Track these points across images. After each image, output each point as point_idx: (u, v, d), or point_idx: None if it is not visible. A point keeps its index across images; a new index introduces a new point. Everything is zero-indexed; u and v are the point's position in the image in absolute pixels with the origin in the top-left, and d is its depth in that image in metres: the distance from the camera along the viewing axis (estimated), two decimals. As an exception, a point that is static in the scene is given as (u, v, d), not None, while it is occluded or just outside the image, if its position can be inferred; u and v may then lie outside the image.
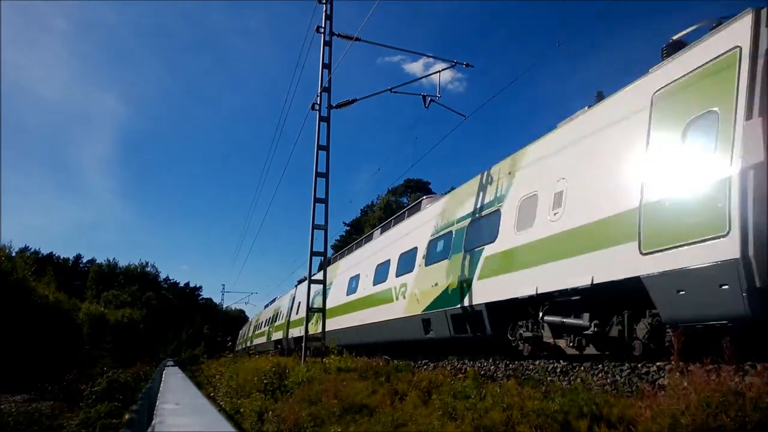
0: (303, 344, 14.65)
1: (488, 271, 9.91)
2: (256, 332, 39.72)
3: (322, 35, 15.43)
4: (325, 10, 15.53)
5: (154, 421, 8.06)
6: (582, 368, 7.30)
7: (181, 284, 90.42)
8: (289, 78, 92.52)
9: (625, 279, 6.76)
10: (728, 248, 5.44)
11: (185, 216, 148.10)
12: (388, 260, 15.17)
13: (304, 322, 15.18)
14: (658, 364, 6.25)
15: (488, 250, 10.02)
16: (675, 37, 7.47)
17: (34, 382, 16.45)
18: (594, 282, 7.23)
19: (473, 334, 10.47)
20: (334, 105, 15.29)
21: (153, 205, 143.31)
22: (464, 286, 10.61)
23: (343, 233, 55.53)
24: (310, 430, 7.51)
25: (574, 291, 7.67)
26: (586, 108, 8.71)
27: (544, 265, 8.32)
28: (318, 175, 14.89)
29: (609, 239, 7.14)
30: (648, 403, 4.22)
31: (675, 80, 6.78)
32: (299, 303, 25.10)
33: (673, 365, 4.70)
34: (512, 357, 9.59)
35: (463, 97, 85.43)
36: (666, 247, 6.21)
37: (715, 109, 6.09)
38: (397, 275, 14.23)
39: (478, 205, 11.02)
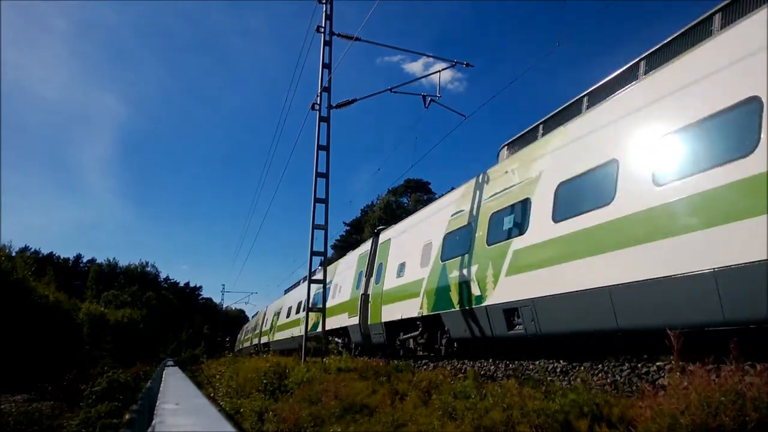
0: (303, 345, 14.72)
1: (330, 314, 20.16)
2: (245, 337, 52.65)
3: (322, 35, 15.43)
4: (325, 10, 15.53)
5: (154, 421, 8.04)
6: (582, 368, 7.31)
7: (181, 284, 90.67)
8: (289, 78, 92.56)
9: (346, 326, 18.12)
10: (357, 320, 16.92)
11: (185, 216, 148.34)
12: (300, 301, 25.47)
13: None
14: (658, 364, 6.26)
15: (328, 304, 19.60)
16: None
17: (34, 382, 16.43)
18: (341, 326, 18.50)
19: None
20: (334, 105, 15.27)
21: (153, 205, 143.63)
22: (319, 322, 20.60)
23: (343, 233, 55.62)
24: (310, 430, 7.51)
25: (338, 329, 18.79)
26: (351, 251, 21.41)
27: (340, 315, 18.68)
28: (318, 175, 14.90)
29: (350, 309, 17.81)
30: (648, 403, 4.20)
31: (362, 252, 18.65)
32: (266, 319, 38.18)
33: (673, 365, 4.69)
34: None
35: (463, 97, 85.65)
36: (352, 316, 17.37)
37: (362, 270, 17.62)
38: (296, 312, 26.71)
39: (327, 281, 21.38)
